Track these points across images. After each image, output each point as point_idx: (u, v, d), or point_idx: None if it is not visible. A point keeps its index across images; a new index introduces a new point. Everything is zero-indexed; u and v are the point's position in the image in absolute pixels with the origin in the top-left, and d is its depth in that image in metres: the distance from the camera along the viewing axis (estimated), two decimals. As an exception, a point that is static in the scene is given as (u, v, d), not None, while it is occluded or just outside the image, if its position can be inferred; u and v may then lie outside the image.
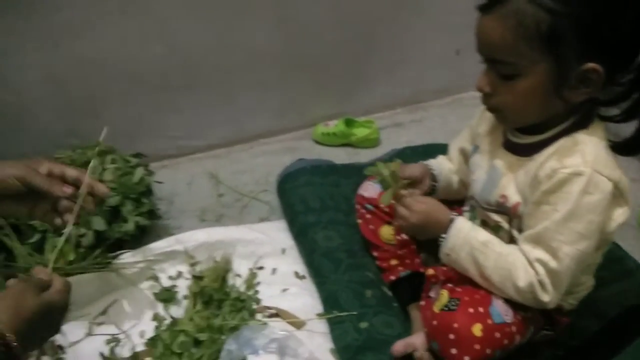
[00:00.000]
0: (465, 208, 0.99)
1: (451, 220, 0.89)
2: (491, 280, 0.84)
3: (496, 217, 0.89)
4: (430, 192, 1.03)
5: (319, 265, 1.12)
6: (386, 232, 1.08)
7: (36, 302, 0.65)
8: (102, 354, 0.97)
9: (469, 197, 0.97)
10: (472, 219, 0.95)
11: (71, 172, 0.79)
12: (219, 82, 1.43)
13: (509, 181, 0.86)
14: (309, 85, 1.57)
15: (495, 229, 0.90)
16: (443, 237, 0.89)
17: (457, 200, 1.05)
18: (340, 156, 1.56)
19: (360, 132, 1.61)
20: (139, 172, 1.15)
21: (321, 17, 1.44)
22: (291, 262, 1.20)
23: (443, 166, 1.06)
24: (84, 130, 1.29)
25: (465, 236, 0.87)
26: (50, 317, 0.68)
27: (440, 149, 1.35)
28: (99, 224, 1.06)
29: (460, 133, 1.06)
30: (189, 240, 1.17)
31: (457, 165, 1.06)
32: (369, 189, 1.09)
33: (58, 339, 0.97)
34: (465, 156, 1.02)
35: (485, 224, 0.92)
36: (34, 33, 1.13)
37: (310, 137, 1.64)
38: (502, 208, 0.87)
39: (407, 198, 0.91)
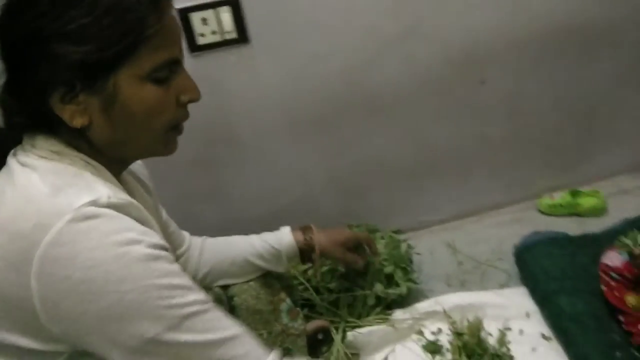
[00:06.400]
0: None
1: None
2: None
3: None
4: None
5: (566, 329, 1.26)
6: (632, 298, 1.19)
7: None
8: (391, 392, 1.25)
9: None
10: None
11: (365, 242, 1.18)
12: (455, 167, 1.70)
13: None
14: (534, 162, 1.75)
15: None
16: None
17: None
18: (567, 226, 1.68)
19: (586, 203, 1.72)
20: (404, 246, 1.45)
21: (545, 104, 1.64)
22: (536, 325, 1.36)
23: None
24: (354, 211, 1.68)
25: None
26: None
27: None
28: (379, 288, 1.37)
29: None
30: (446, 302, 1.42)
31: None
32: (614, 259, 1.23)
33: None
34: None
35: None
36: (326, 144, 1.55)
37: (536, 208, 1.80)
38: None
39: None
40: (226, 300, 1.12)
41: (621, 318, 1.23)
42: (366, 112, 1.50)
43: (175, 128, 0.75)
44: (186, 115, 0.75)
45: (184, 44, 1.30)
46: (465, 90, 1.54)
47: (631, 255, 1.14)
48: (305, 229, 1.17)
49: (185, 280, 0.68)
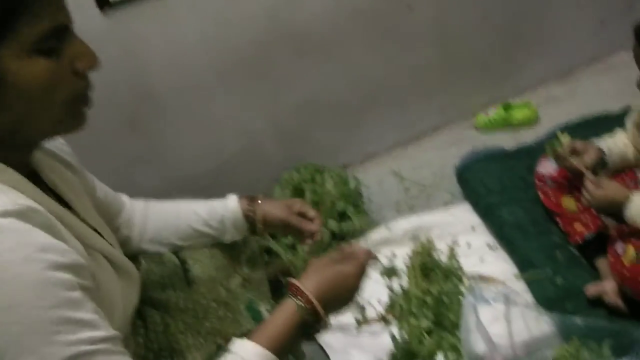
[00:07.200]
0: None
1: (629, 198, 1.06)
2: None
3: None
4: (603, 165, 1.19)
5: (509, 236, 1.35)
6: (567, 201, 1.27)
7: (332, 271, 0.80)
8: (355, 318, 1.31)
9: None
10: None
11: (311, 213, 1.09)
12: (392, 96, 1.72)
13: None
14: (465, 81, 1.79)
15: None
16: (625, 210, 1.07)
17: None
18: (504, 139, 1.75)
19: (519, 114, 1.78)
20: (353, 182, 1.48)
21: (470, 24, 1.66)
22: (482, 237, 1.44)
23: (617, 142, 1.21)
24: (299, 153, 1.68)
25: None
26: (344, 286, 0.81)
27: (601, 120, 1.51)
28: (332, 225, 1.40)
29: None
30: (396, 228, 1.47)
31: (632, 137, 1.20)
32: (547, 166, 1.30)
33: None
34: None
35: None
36: (260, 90, 1.51)
37: (473, 127, 1.85)
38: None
39: (591, 182, 1.11)
40: (180, 264, 1.11)
41: (558, 220, 1.32)
42: (296, 51, 1.47)
43: (79, 100, 0.68)
44: (87, 85, 0.68)
45: (92, 2, 1.21)
46: (393, 19, 1.53)
47: (557, 156, 1.21)
48: (252, 198, 1.11)
49: (82, 313, 0.60)
